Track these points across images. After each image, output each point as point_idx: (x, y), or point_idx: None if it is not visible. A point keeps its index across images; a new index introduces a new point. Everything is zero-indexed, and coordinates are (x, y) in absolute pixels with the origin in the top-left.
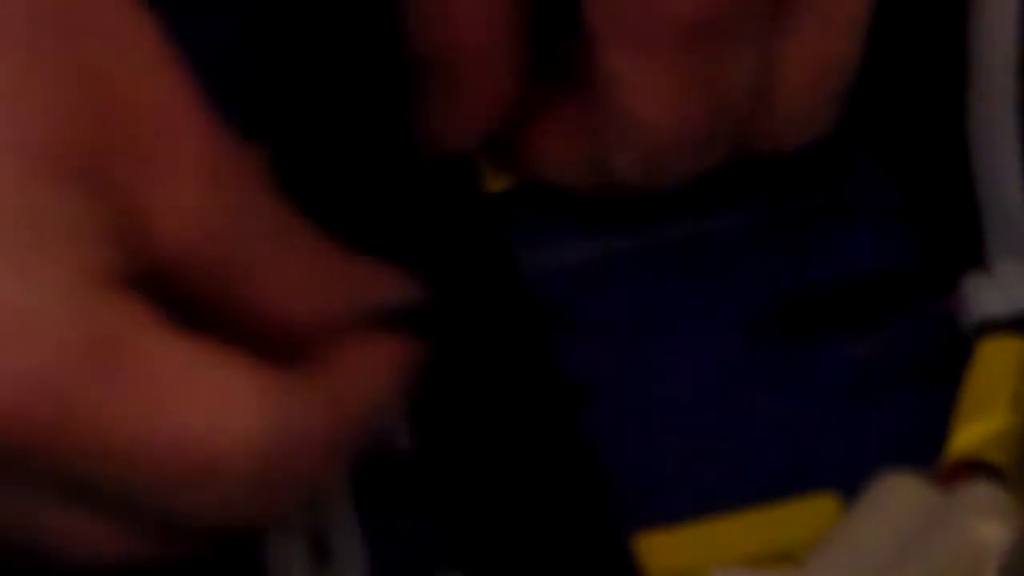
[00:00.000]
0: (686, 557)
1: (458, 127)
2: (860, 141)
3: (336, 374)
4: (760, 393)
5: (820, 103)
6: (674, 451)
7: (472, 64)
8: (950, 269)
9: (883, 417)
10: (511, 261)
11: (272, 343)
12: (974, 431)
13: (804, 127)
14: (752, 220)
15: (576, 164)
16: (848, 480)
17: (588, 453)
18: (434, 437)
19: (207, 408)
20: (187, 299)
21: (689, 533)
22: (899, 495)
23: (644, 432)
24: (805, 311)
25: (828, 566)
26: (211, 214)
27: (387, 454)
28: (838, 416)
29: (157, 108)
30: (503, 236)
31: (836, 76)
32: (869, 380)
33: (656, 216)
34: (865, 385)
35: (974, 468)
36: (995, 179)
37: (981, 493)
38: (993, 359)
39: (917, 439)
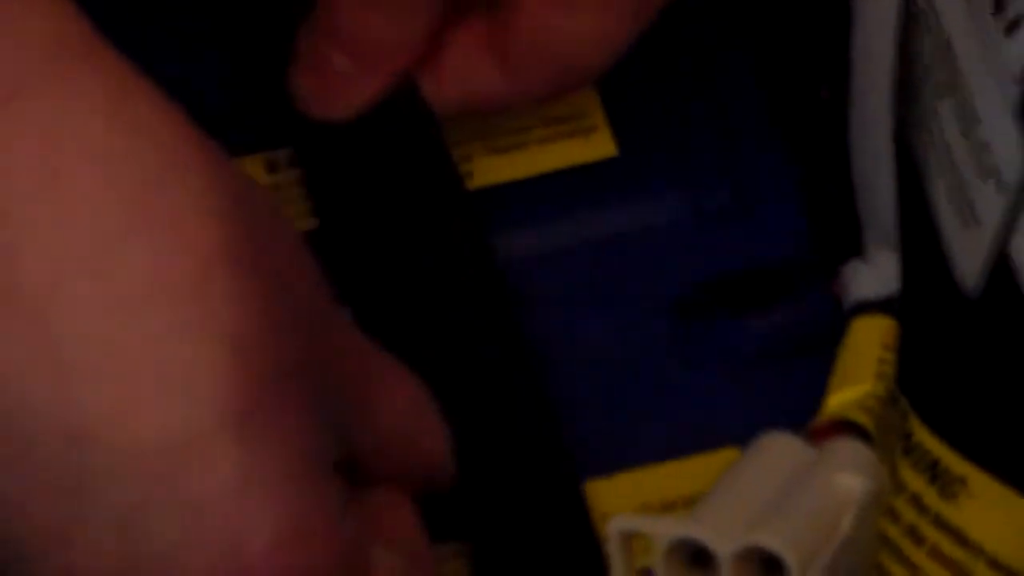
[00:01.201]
0: (601, 506)
1: None
2: (764, 146)
3: None
4: (676, 364)
5: None
6: (596, 412)
7: None
8: (836, 257)
9: (778, 384)
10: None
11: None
12: (843, 396)
13: None
14: (673, 218)
15: None
16: (748, 437)
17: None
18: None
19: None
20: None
21: (603, 485)
22: (777, 450)
23: (568, 394)
24: (715, 295)
25: (713, 510)
26: (410, 419)
27: None
28: (740, 384)
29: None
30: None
31: None
32: (766, 353)
33: (592, 213)
34: (763, 358)
35: (842, 427)
36: (868, 177)
37: (846, 449)
38: (862, 334)
39: (805, 403)
